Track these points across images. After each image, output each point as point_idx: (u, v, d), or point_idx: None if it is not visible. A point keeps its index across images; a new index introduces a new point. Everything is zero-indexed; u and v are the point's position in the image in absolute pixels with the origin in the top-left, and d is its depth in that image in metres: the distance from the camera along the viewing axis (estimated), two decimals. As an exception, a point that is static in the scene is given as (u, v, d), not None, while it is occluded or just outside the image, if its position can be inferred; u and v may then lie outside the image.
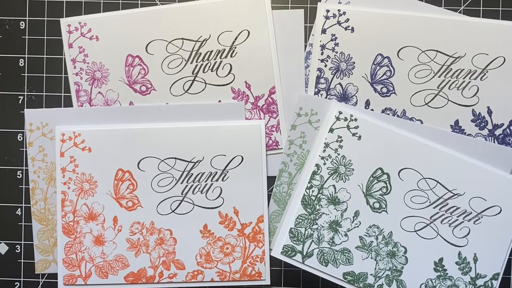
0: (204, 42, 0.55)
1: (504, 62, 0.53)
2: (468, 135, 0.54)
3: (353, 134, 0.52)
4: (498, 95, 0.53)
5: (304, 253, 0.51)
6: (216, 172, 0.54)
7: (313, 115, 0.55)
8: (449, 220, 0.51)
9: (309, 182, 0.52)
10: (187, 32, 0.55)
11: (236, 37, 0.55)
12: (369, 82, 0.54)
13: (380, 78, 0.54)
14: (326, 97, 0.55)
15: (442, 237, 0.51)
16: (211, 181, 0.54)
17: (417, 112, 0.54)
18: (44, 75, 0.56)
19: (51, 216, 0.55)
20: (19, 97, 0.56)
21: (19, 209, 0.56)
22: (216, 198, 0.54)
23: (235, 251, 0.54)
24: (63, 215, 0.54)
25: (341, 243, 0.51)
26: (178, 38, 0.55)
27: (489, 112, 0.53)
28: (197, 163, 0.54)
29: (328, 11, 0.54)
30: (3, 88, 0.56)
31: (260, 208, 0.54)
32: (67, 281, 0.54)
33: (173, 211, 0.54)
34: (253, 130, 0.54)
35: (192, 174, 0.54)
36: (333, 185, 0.52)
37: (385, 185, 0.52)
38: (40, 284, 0.56)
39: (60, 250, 0.54)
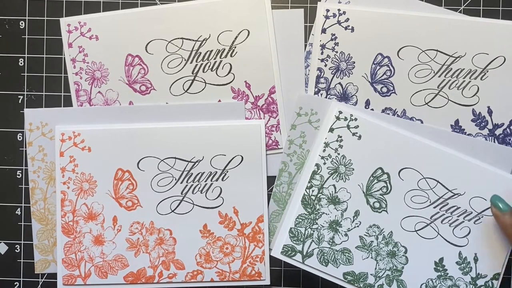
0: (204, 41, 0.55)
1: (504, 61, 0.53)
2: (468, 134, 0.53)
3: (353, 134, 0.52)
4: (498, 95, 0.53)
5: (304, 253, 0.51)
6: (216, 172, 0.54)
7: (313, 115, 0.55)
8: (449, 220, 0.51)
9: (309, 182, 0.52)
10: (187, 32, 0.55)
11: (236, 37, 0.55)
12: (369, 81, 0.54)
13: (380, 77, 0.54)
14: (326, 97, 0.55)
15: (442, 237, 0.51)
16: (211, 181, 0.54)
17: (417, 111, 0.54)
18: (44, 74, 0.56)
19: (50, 216, 0.55)
20: (19, 96, 0.56)
21: (18, 209, 0.56)
22: (216, 198, 0.54)
23: (235, 251, 0.54)
24: (62, 215, 0.54)
25: (341, 243, 0.51)
26: (178, 38, 0.55)
27: (489, 112, 0.53)
28: (197, 163, 0.54)
29: (328, 10, 0.54)
30: (3, 88, 0.56)
31: (260, 208, 0.54)
32: (66, 281, 0.54)
33: (172, 211, 0.54)
34: (253, 130, 0.54)
35: (192, 174, 0.54)
36: (333, 185, 0.52)
37: (385, 185, 0.52)
38: (40, 284, 0.56)
39: (59, 250, 0.54)
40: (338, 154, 0.52)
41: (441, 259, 0.51)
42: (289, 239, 0.51)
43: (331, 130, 0.53)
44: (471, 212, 0.51)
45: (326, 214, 0.52)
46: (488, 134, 0.54)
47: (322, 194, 0.52)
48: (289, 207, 0.52)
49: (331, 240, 0.51)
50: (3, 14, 0.56)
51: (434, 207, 0.52)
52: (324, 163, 0.52)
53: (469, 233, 0.51)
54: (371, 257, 0.51)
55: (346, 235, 0.51)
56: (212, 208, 0.54)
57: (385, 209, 0.52)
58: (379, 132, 0.52)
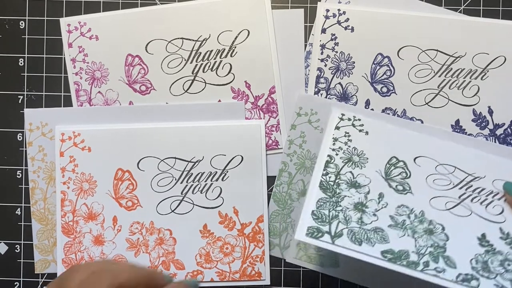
0: (204, 41, 0.55)
1: (504, 61, 0.53)
2: (469, 135, 0.53)
3: (360, 131, 0.51)
4: (498, 95, 0.53)
5: (333, 233, 0.46)
6: (216, 172, 0.54)
7: (313, 115, 0.55)
8: (479, 199, 0.49)
9: (324, 170, 0.49)
10: (187, 32, 0.55)
11: (236, 37, 0.55)
12: (369, 81, 0.54)
13: (380, 77, 0.54)
14: (326, 97, 0.55)
15: (477, 214, 0.48)
16: (211, 181, 0.54)
17: (417, 111, 0.54)
18: (44, 74, 0.56)
19: (50, 216, 0.55)
20: (19, 96, 0.56)
21: (18, 209, 0.56)
22: (216, 198, 0.54)
23: (235, 251, 0.54)
24: (62, 215, 0.54)
25: (371, 222, 0.47)
26: (178, 38, 0.55)
27: (490, 112, 0.53)
28: (197, 163, 0.54)
29: (328, 10, 0.54)
30: (3, 88, 0.56)
31: (260, 208, 0.54)
32: (66, 281, 0.54)
33: (172, 211, 0.54)
34: (253, 129, 0.54)
35: (192, 174, 0.54)
36: (350, 172, 0.49)
37: (404, 171, 0.50)
38: (40, 284, 0.56)
39: (59, 250, 0.54)
40: (349, 146, 0.50)
41: (484, 235, 0.47)
42: (313, 221, 0.46)
43: (337, 128, 0.51)
44: (498, 193, 0.49)
45: (348, 196, 0.48)
46: (488, 134, 0.53)
47: (340, 180, 0.49)
48: (306, 195, 0.49)
49: (359, 220, 0.47)
50: (3, 14, 0.56)
51: (460, 189, 0.49)
52: (337, 154, 0.50)
53: (502, 211, 0.48)
54: (408, 235, 0.46)
55: (374, 215, 0.47)
56: (212, 208, 0.54)
57: (410, 191, 0.49)
58: (385, 131, 0.51)
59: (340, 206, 0.47)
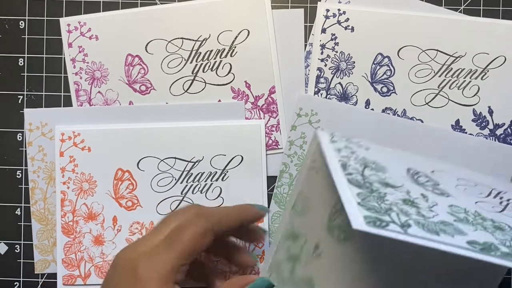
0: (204, 41, 0.55)
1: (504, 61, 0.53)
2: (469, 135, 0.53)
3: (359, 146, 0.45)
4: (499, 95, 0.53)
5: (399, 223, 0.35)
6: (216, 172, 0.54)
7: (313, 116, 0.55)
8: None
9: (345, 170, 0.39)
10: (187, 32, 0.55)
11: (236, 37, 0.55)
12: (369, 81, 0.54)
13: (380, 77, 0.54)
14: (326, 97, 0.55)
15: None
16: (211, 181, 0.54)
17: (417, 111, 0.54)
18: (44, 74, 0.56)
19: (50, 216, 0.55)
20: (19, 96, 0.56)
21: (18, 209, 0.56)
22: (216, 198, 0.54)
23: (235, 251, 0.54)
24: (62, 215, 0.54)
25: (433, 216, 0.36)
26: (178, 38, 0.55)
27: (490, 112, 0.53)
28: (196, 163, 0.54)
29: (328, 10, 0.54)
30: (3, 88, 0.56)
31: (260, 208, 0.54)
32: (66, 281, 0.54)
33: (172, 211, 0.54)
34: (253, 129, 0.54)
35: (192, 174, 0.54)
36: (375, 174, 0.40)
37: (429, 179, 0.43)
38: (40, 284, 0.56)
39: (59, 250, 0.54)
40: (357, 156, 0.43)
41: None
42: (366, 211, 0.35)
43: (333, 141, 0.44)
44: None
45: (389, 194, 0.38)
46: (489, 134, 0.53)
47: (369, 180, 0.39)
48: (338, 193, 0.38)
49: (419, 213, 0.36)
50: (3, 14, 0.56)
51: (494, 197, 0.44)
52: (349, 160, 0.42)
53: None
54: (480, 230, 0.37)
55: (432, 211, 0.37)
56: (212, 208, 0.54)
57: (450, 195, 0.41)
58: (385, 150, 0.47)
59: (388, 200, 0.37)
